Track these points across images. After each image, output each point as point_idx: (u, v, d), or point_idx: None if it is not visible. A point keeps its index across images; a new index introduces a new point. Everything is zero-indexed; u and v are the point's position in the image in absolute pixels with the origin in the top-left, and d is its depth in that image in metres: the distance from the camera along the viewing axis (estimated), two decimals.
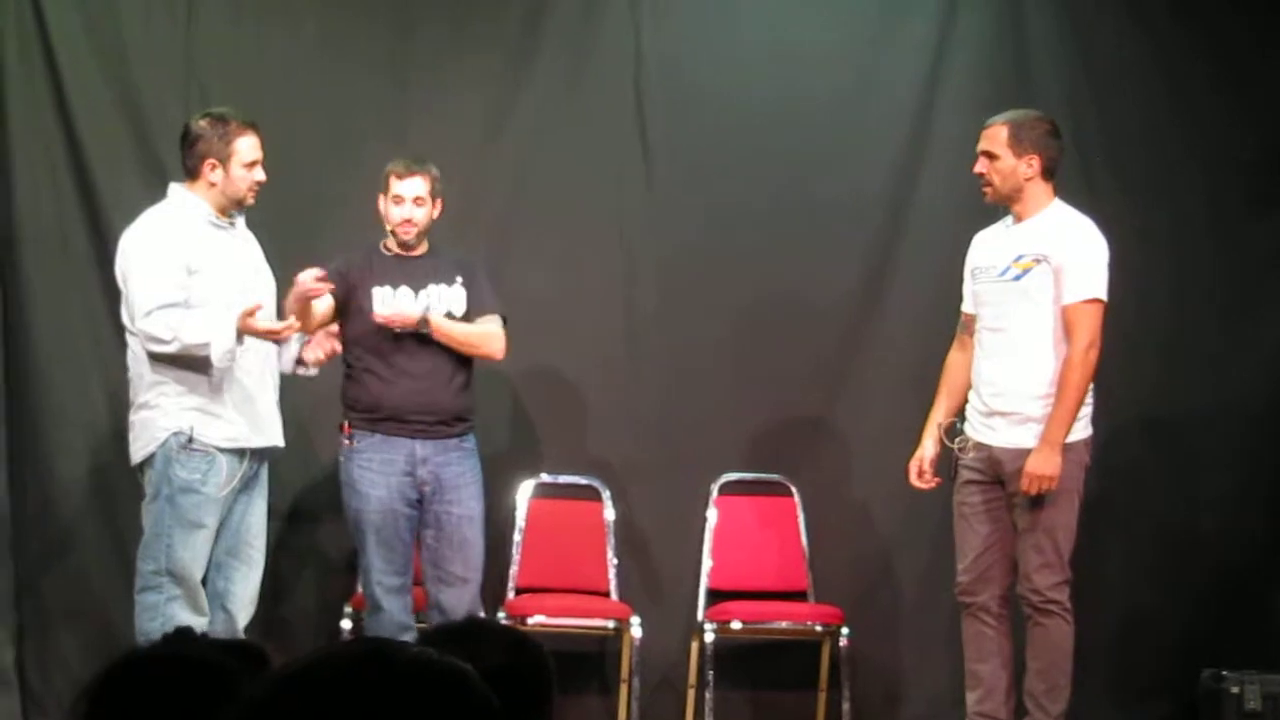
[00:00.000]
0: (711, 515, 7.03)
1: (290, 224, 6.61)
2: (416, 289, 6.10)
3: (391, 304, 6.02)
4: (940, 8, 7.20)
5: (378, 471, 6.01)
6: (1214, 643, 7.00)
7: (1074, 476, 5.80)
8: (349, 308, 6.06)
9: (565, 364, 7.03)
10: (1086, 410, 5.84)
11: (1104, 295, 5.79)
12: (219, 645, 2.29)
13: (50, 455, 6.81)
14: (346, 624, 6.57)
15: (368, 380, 6.04)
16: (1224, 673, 6.74)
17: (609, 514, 6.98)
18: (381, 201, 6.15)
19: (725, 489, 7.06)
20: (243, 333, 5.64)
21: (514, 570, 6.89)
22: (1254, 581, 7.18)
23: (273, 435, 5.89)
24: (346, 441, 6.04)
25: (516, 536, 6.94)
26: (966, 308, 6.08)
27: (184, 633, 2.30)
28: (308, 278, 5.74)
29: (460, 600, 6.05)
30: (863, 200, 7.19)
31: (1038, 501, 5.76)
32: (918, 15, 7.22)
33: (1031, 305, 5.80)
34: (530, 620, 6.49)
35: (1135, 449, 7.11)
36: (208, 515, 5.69)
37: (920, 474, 6.05)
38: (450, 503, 6.09)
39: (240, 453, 5.76)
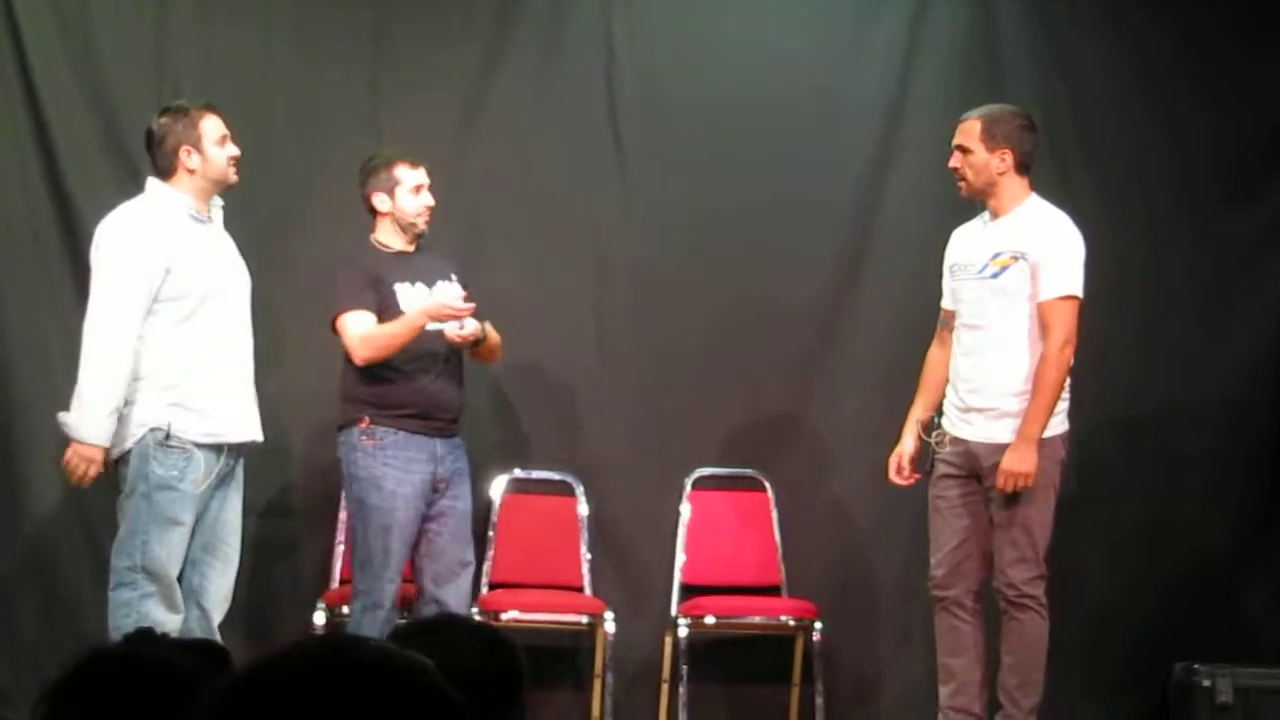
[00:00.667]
0: (685, 510, 7.03)
1: (263, 221, 6.60)
2: (430, 285, 6.12)
3: (451, 309, 5.93)
4: (912, 6, 7.22)
5: (404, 469, 5.98)
6: (1186, 636, 7.03)
7: (1050, 472, 5.79)
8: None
9: (538, 360, 7.03)
10: (1063, 406, 5.85)
11: (1080, 292, 5.78)
12: (181, 645, 2.29)
13: (18, 451, 6.79)
14: (320, 618, 6.55)
15: (393, 377, 6.00)
16: (1196, 666, 6.76)
17: (583, 509, 6.99)
18: (382, 196, 6.10)
19: (699, 484, 7.07)
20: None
21: (487, 566, 6.89)
22: (1226, 575, 7.21)
23: (251, 430, 5.86)
24: (365, 438, 5.99)
25: (490, 532, 6.94)
26: (946, 304, 6.07)
27: (146, 633, 2.30)
28: (454, 297, 5.83)
29: (460, 591, 6.09)
30: (835, 198, 7.20)
31: (1014, 497, 5.75)
32: (889, 14, 7.24)
33: (1008, 302, 5.79)
34: (504, 616, 6.49)
35: (1108, 443, 7.13)
36: (184, 512, 5.65)
37: (899, 470, 6.05)
38: (455, 497, 6.12)
39: (218, 448, 5.72)
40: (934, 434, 5.98)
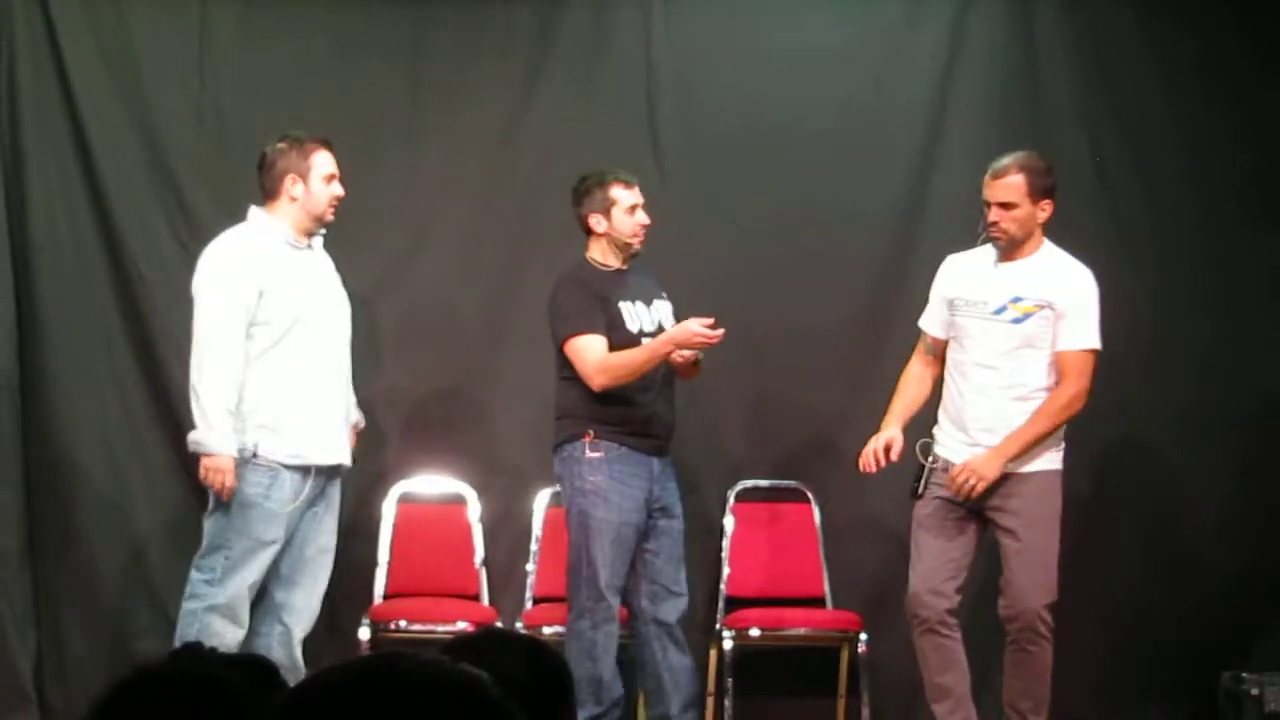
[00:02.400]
0: (729, 523, 7.02)
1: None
2: (647, 303, 6.21)
3: (703, 337, 5.96)
4: (951, 15, 7.19)
5: (626, 484, 6.07)
6: (1234, 645, 6.98)
7: (1057, 504, 5.92)
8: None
9: None
10: (1062, 445, 5.95)
11: (1099, 345, 5.89)
12: (227, 661, 2.29)
13: (64, 465, 6.82)
14: (365, 634, 6.56)
15: (616, 394, 6.06)
16: (1244, 675, 6.72)
17: None
18: (598, 217, 6.18)
19: (742, 496, 7.06)
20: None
21: (530, 580, 6.90)
22: (1274, 582, 7.16)
23: (339, 454, 5.95)
24: (591, 452, 6.05)
25: (533, 546, 6.94)
26: (935, 332, 6.11)
27: (192, 648, 2.31)
28: (701, 326, 5.89)
29: (679, 610, 6.23)
30: (876, 207, 7.18)
31: (1032, 524, 5.84)
32: (929, 22, 7.22)
33: (1032, 350, 5.87)
34: (547, 630, 6.48)
35: (1154, 450, 7.11)
36: (269, 529, 5.75)
37: (878, 458, 6.00)
38: (672, 517, 6.24)
39: (304, 470, 5.82)
40: (931, 459, 6.00)
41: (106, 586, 6.81)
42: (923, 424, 6.12)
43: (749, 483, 7.06)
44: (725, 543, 7.00)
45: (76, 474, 6.82)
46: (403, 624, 6.61)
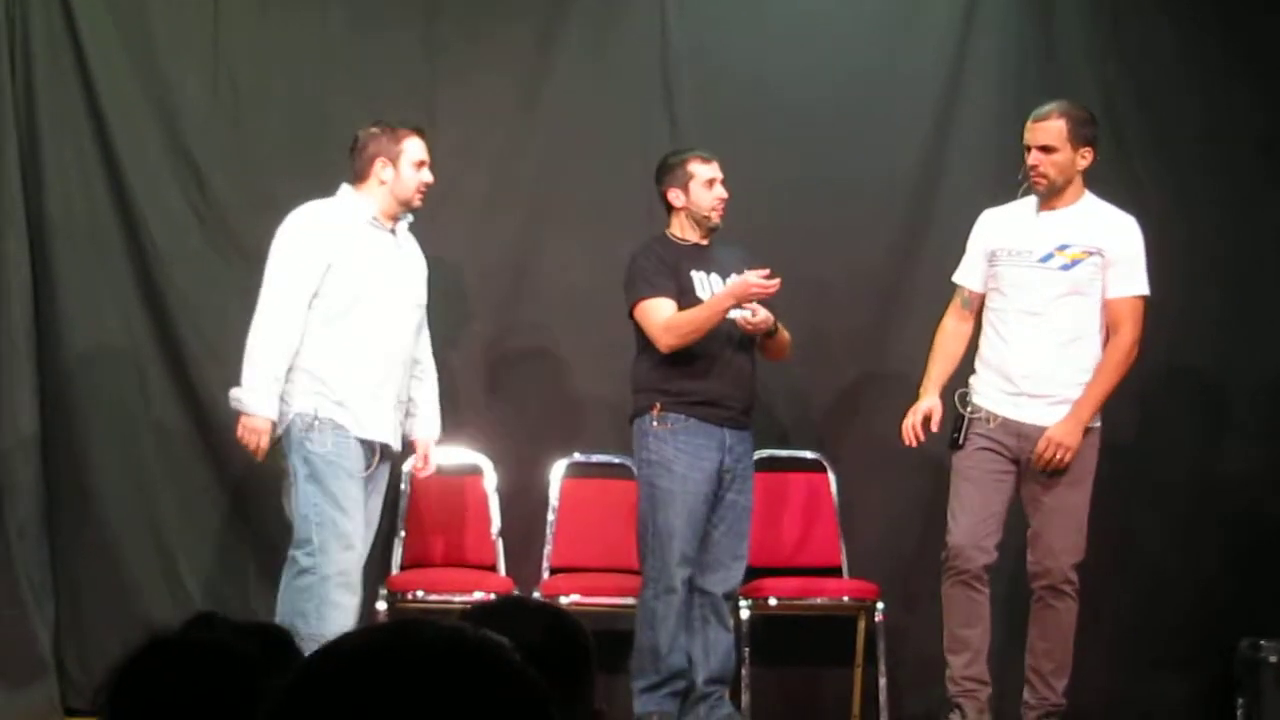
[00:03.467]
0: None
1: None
2: (724, 276, 6.24)
3: (758, 286, 6.03)
4: None
5: (694, 455, 6.13)
6: (1253, 611, 6.98)
7: (1094, 461, 5.97)
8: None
9: (593, 343, 7.01)
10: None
11: (1149, 291, 5.94)
12: (241, 629, 2.30)
13: (83, 442, 6.84)
14: (382, 605, 6.57)
15: (684, 366, 6.13)
16: (1262, 641, 6.71)
17: None
18: (677, 192, 6.29)
19: (760, 466, 7.02)
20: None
21: (548, 550, 6.91)
22: None
23: (388, 434, 6.01)
24: (657, 424, 6.12)
25: (550, 516, 6.95)
26: (972, 285, 6.15)
27: (206, 617, 2.32)
28: (756, 276, 5.97)
29: (729, 583, 6.31)
30: (893, 174, 7.17)
31: (1070, 481, 5.87)
32: None
33: (1079, 296, 5.90)
34: (564, 600, 6.50)
35: (1175, 419, 7.12)
36: (349, 488, 5.84)
37: (918, 430, 6.06)
38: (740, 491, 6.30)
39: (362, 442, 5.90)
40: (970, 410, 5.98)
41: (124, 557, 6.82)
42: (960, 380, 6.15)
43: (766, 452, 7.04)
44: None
45: (93, 446, 6.83)
46: (420, 594, 6.62)
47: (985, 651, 6.04)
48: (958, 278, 6.19)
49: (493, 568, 6.90)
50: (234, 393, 5.86)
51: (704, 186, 6.29)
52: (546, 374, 7.04)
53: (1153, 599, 7.03)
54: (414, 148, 6.02)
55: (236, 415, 5.90)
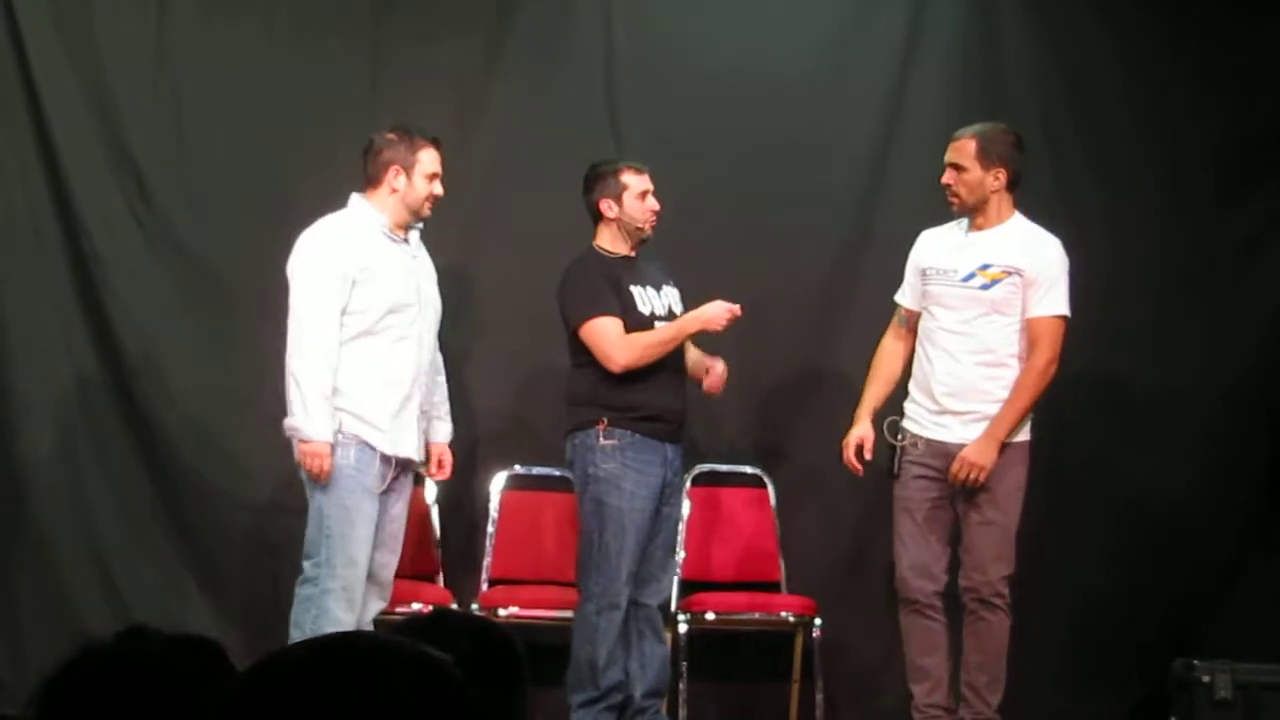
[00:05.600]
0: (685, 507, 7.02)
1: (263, 217, 6.62)
2: (657, 288, 6.25)
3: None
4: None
5: (641, 471, 6.10)
6: (1187, 631, 7.02)
7: (1023, 475, 6.00)
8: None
9: (539, 356, 7.00)
10: (1030, 415, 6.01)
11: (1069, 312, 5.97)
12: (173, 641, 2.29)
13: (19, 447, 6.79)
14: None
15: (629, 381, 6.10)
16: (1195, 662, 6.74)
17: None
18: (609, 202, 6.22)
19: (699, 480, 7.06)
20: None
21: (487, 561, 6.90)
22: (1227, 570, 7.20)
23: (411, 449, 5.98)
24: (604, 439, 6.08)
25: (489, 528, 6.94)
26: (908, 304, 6.21)
27: (138, 629, 2.31)
28: (725, 307, 6.05)
29: (662, 594, 6.31)
30: (835, 191, 7.20)
31: (994, 497, 5.92)
32: (889, 6, 7.23)
33: (1001, 316, 5.95)
34: (502, 612, 6.50)
35: (1108, 436, 7.14)
36: (364, 503, 5.81)
37: (859, 453, 6.11)
38: (674, 505, 6.32)
39: (388, 458, 5.87)
40: (900, 437, 6.04)
41: (60, 567, 6.78)
42: (896, 401, 6.19)
43: (706, 467, 7.06)
44: (681, 527, 6.99)
45: (30, 452, 6.79)
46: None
47: (947, 679, 6.06)
48: (897, 297, 6.24)
49: (432, 579, 6.89)
50: (287, 423, 5.78)
51: (637, 198, 6.24)
52: (487, 386, 7.03)
53: (1087, 620, 7.06)
54: (428, 159, 5.98)
55: (289, 441, 5.81)
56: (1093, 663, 7.06)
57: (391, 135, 5.98)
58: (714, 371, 6.27)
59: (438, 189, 6.00)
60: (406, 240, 6.02)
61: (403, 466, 5.99)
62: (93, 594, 6.78)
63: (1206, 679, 6.66)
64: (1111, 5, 7.28)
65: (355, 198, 5.97)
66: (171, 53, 6.95)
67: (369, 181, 5.97)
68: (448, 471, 6.29)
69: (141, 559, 6.87)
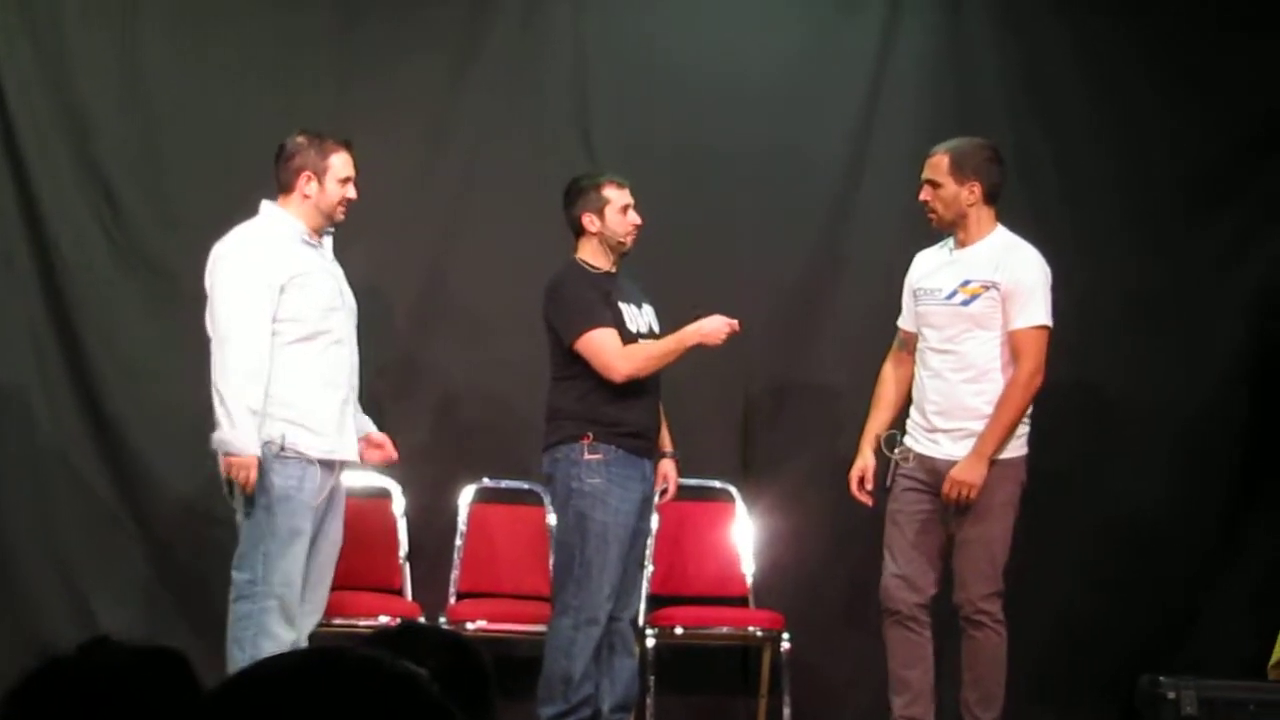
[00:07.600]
0: (654, 521, 7.01)
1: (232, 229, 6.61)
2: (638, 305, 6.26)
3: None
4: (885, 11, 7.24)
5: (624, 487, 6.09)
6: (1153, 648, 7.04)
7: (1012, 492, 5.98)
8: None
9: (510, 369, 7.00)
10: (1024, 430, 6.01)
11: (1050, 321, 5.95)
12: (138, 652, 2.28)
13: None
14: None
15: (618, 397, 6.09)
16: (1161, 678, 6.75)
17: (551, 519, 6.97)
18: (591, 217, 6.19)
19: None
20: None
21: (454, 575, 6.89)
22: (1193, 587, 7.23)
23: (351, 450, 5.94)
24: (589, 454, 6.06)
25: (458, 541, 6.93)
26: (906, 325, 6.22)
27: (100, 641, 2.29)
28: (725, 321, 6.02)
29: (629, 608, 6.27)
30: (807, 205, 7.22)
31: (977, 515, 5.91)
32: (862, 18, 7.26)
33: (983, 331, 5.95)
34: (470, 626, 6.49)
35: (1076, 454, 7.15)
36: (304, 521, 5.75)
37: (861, 485, 6.13)
38: (647, 520, 6.32)
39: (329, 465, 5.82)
40: (896, 450, 6.05)
41: (26, 580, 6.76)
42: (899, 425, 6.20)
43: None
44: (650, 541, 6.99)
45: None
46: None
47: (928, 691, 6.05)
48: (899, 320, 6.25)
49: (399, 592, 6.88)
50: (215, 436, 5.69)
51: (619, 212, 6.23)
52: (456, 398, 7.02)
53: (1054, 636, 7.07)
54: (340, 163, 5.88)
55: (218, 454, 5.73)
56: (1061, 680, 7.07)
57: (301, 139, 5.88)
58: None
59: (351, 193, 5.89)
60: (320, 245, 5.94)
61: (337, 471, 5.92)
62: (57, 605, 6.75)
63: (1172, 695, 6.68)
64: (1082, 22, 7.32)
65: (267, 205, 5.87)
66: (141, 65, 6.93)
67: (281, 188, 5.87)
68: (392, 450, 6.18)
69: (106, 569, 6.84)
